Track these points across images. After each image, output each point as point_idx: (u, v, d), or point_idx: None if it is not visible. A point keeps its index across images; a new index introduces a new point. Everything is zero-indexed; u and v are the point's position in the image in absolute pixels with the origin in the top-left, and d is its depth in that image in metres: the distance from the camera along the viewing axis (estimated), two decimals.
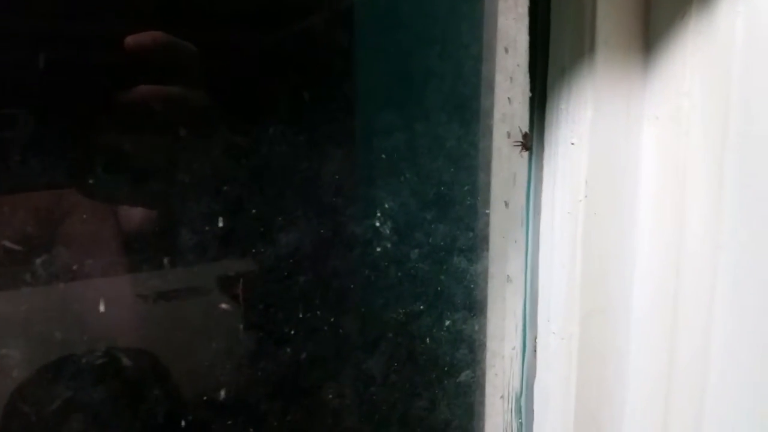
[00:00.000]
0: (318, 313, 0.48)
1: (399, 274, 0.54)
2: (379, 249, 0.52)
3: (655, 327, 0.51)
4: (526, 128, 0.50)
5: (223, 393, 0.45)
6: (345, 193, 0.50)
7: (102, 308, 0.40)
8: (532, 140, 0.50)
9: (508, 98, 0.52)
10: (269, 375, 0.47)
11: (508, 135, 0.53)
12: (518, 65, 0.49)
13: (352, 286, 0.51)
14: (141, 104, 0.40)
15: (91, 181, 0.39)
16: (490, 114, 0.53)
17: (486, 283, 0.58)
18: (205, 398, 0.44)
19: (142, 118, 0.40)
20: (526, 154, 0.50)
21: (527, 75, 0.49)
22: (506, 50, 0.51)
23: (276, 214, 0.46)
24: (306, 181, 0.48)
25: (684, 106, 0.49)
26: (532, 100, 0.50)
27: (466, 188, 0.57)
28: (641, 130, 0.52)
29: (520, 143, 0.49)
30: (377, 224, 0.52)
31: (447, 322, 0.57)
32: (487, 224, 0.57)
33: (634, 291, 0.52)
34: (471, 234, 0.59)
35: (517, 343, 0.53)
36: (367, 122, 0.52)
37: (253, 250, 0.45)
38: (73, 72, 0.38)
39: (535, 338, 0.53)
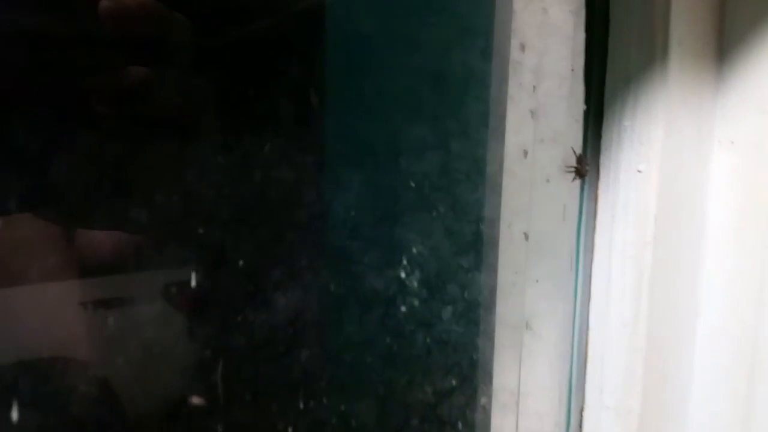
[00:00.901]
0: None
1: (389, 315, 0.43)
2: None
3: (728, 402, 0.41)
4: (579, 149, 0.40)
5: (169, 408, 0.38)
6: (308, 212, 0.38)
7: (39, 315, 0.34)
8: (588, 164, 0.40)
9: (530, 111, 0.41)
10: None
11: (525, 154, 0.43)
12: (572, 70, 0.38)
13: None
14: (130, 94, 0.27)
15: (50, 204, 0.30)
16: (501, 129, 0.42)
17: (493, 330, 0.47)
18: (150, 414, 0.38)
19: (131, 114, 0.27)
20: (577, 182, 0.40)
21: (582, 83, 0.39)
22: (522, 47, 0.40)
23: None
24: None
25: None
26: (586, 114, 0.40)
27: (468, 217, 0.46)
28: (711, 155, 0.42)
29: (573, 168, 0.39)
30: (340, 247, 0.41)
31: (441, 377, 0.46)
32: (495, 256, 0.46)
33: (704, 356, 0.42)
34: (474, 268, 0.47)
35: (561, 417, 0.42)
36: (338, 131, 0.41)
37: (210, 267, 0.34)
38: (30, 54, 0.26)
39: (581, 411, 0.42)
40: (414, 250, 0.37)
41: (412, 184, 0.36)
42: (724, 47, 0.41)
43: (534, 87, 0.41)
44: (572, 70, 0.39)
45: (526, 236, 0.45)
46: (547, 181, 0.42)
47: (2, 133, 0.27)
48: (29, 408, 0.33)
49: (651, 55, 0.38)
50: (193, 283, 0.30)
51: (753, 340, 0.40)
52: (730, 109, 0.42)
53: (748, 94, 0.41)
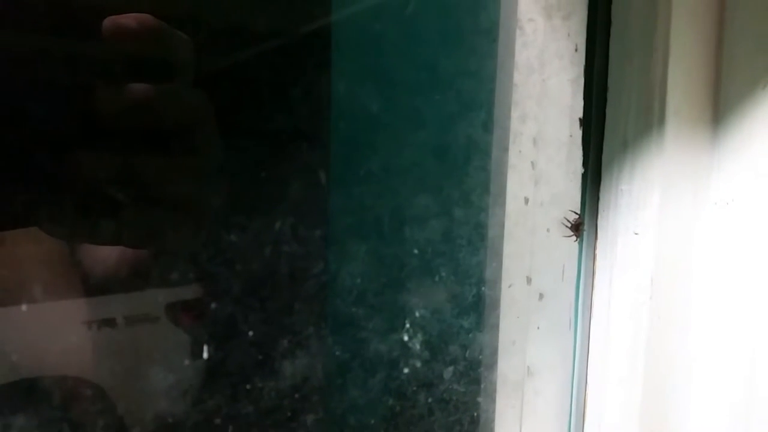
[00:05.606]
0: None
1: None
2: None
3: None
4: (577, 210, 0.41)
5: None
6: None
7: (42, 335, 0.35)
8: (585, 226, 0.41)
9: (530, 176, 0.42)
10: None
11: (525, 216, 0.44)
12: (570, 136, 0.40)
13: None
14: (130, 112, 0.28)
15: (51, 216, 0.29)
16: (503, 192, 0.43)
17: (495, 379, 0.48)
18: None
19: (131, 131, 0.28)
20: (575, 242, 0.41)
21: (580, 148, 0.41)
22: (523, 119, 0.41)
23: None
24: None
25: (765, 189, 0.41)
26: (584, 177, 0.41)
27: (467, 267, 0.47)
28: (708, 216, 0.43)
29: (570, 225, 0.40)
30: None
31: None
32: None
33: (700, 414, 0.42)
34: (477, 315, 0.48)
35: None
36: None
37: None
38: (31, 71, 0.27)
39: None
40: (417, 314, 0.39)
41: (416, 251, 0.38)
42: (719, 113, 0.43)
43: (534, 153, 0.42)
44: (570, 136, 0.40)
45: (528, 280, 0.46)
46: (547, 241, 0.44)
47: (5, 148, 0.28)
48: (34, 427, 0.33)
49: (648, 123, 0.40)
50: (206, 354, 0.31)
51: (746, 398, 0.41)
52: (726, 171, 0.43)
53: (743, 156, 0.42)
